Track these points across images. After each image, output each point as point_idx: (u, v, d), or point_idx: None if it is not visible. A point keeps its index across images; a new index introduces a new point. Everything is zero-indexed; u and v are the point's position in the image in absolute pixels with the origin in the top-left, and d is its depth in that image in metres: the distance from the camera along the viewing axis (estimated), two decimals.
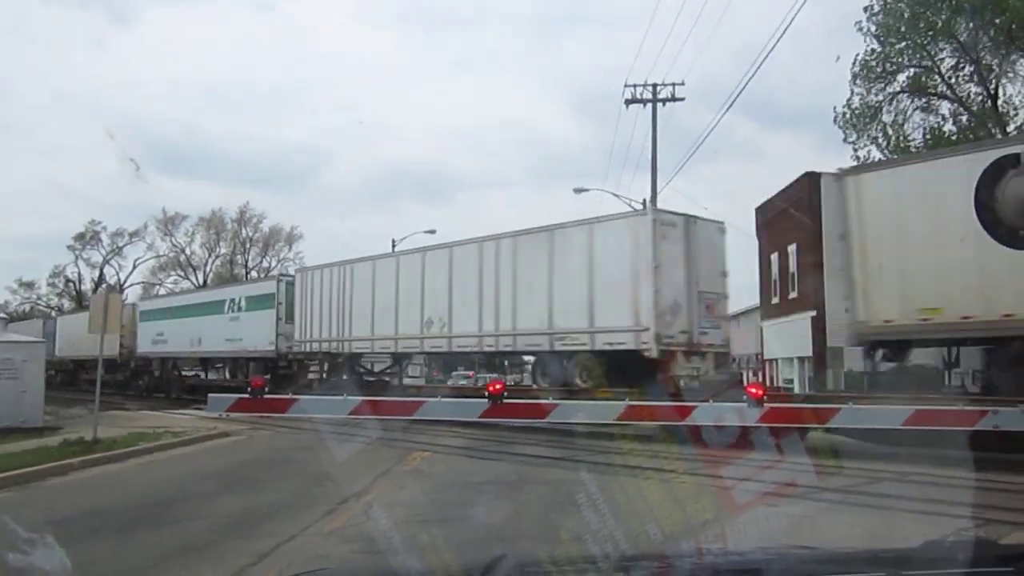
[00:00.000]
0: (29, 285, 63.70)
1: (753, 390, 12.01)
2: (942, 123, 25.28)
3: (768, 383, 27.04)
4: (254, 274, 55.55)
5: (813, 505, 7.92)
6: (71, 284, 62.46)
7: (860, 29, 24.78)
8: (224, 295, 30.22)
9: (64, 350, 37.22)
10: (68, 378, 38.38)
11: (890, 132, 25.23)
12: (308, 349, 24.62)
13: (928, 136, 24.82)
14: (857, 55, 25.08)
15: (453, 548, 5.86)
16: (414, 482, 10.46)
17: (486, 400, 12.52)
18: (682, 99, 28.09)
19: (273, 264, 58.89)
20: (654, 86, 27.91)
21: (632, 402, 12.37)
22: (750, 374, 36.08)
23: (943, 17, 23.29)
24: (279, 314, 25.39)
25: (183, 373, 33.15)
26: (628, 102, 28.23)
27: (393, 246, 32.19)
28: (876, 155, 24.51)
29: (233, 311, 28.11)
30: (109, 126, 77.53)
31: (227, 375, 30.52)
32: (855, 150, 25.48)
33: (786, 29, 37.59)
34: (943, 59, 24.60)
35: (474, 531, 7.32)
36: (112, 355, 29.52)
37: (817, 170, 23.51)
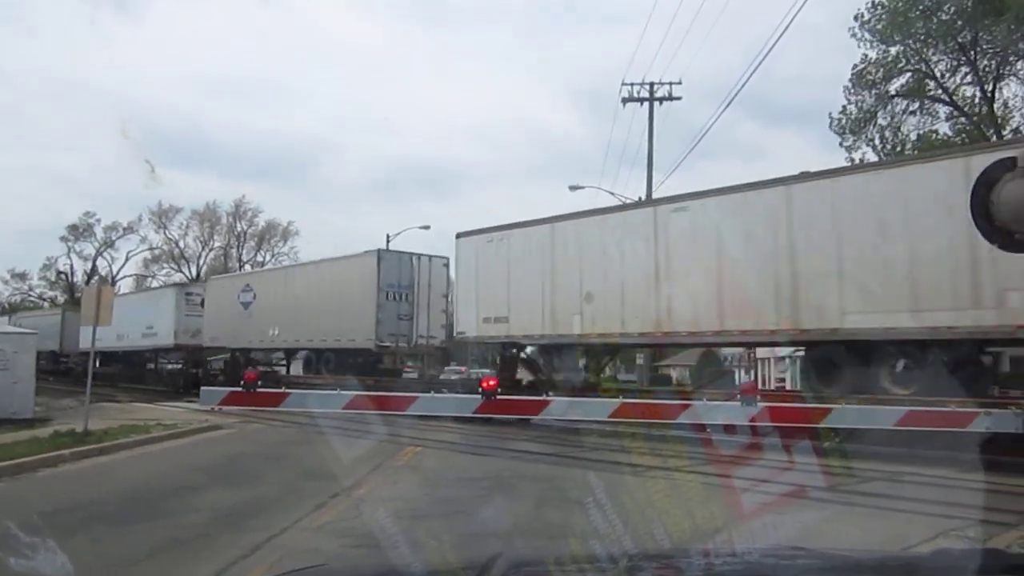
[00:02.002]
0: (22, 276, 63.39)
1: (747, 388, 12.02)
2: (935, 125, 25.36)
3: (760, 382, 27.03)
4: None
5: (807, 504, 7.94)
6: (63, 276, 62.08)
7: (854, 35, 24.84)
8: None
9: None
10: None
11: (887, 135, 25.31)
12: None
13: (919, 140, 24.90)
14: (855, 64, 25.17)
15: (447, 543, 5.86)
16: (406, 477, 10.44)
17: (480, 396, 12.54)
18: (679, 98, 28.15)
19: (267, 259, 58.23)
20: (651, 85, 27.93)
21: (625, 400, 12.42)
22: (742, 372, 36.06)
23: (943, 18, 23.28)
24: None
25: None
26: (625, 100, 28.25)
27: (387, 241, 32.16)
28: (872, 157, 24.57)
29: None
30: (108, 116, 77.22)
31: None
32: (849, 152, 25.58)
33: (788, 26, 37.48)
34: (939, 61, 24.64)
35: (467, 526, 7.30)
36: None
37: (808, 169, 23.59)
